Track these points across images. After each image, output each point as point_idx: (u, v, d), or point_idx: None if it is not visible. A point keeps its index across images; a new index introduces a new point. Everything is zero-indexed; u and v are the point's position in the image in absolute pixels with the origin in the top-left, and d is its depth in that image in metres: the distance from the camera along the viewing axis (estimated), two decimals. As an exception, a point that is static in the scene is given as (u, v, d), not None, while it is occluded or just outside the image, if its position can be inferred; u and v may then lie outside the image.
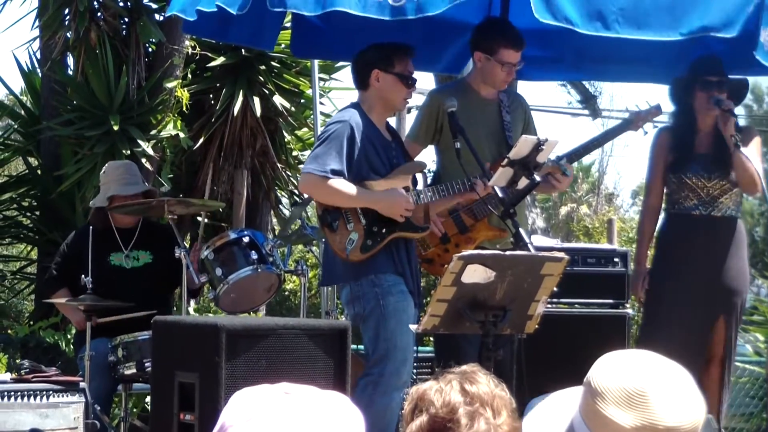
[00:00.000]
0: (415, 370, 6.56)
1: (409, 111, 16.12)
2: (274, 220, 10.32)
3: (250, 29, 6.29)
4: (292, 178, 10.00)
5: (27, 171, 9.79)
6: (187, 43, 9.08)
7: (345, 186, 5.57)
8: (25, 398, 5.55)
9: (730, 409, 6.64)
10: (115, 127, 8.54)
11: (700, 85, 6.35)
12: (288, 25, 7.82)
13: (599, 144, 6.49)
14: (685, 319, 6.29)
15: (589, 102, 22.21)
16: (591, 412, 2.24)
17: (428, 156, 6.61)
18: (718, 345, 6.40)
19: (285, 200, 10.46)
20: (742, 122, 6.69)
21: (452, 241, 6.09)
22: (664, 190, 6.54)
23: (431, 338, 8.13)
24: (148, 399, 7.21)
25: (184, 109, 9.05)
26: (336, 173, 5.56)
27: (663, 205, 6.61)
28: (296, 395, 2.07)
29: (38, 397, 5.56)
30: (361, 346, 5.95)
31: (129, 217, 6.58)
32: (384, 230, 5.66)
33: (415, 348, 6.17)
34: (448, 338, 5.80)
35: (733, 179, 6.37)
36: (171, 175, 9.08)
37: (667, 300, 6.37)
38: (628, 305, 7.04)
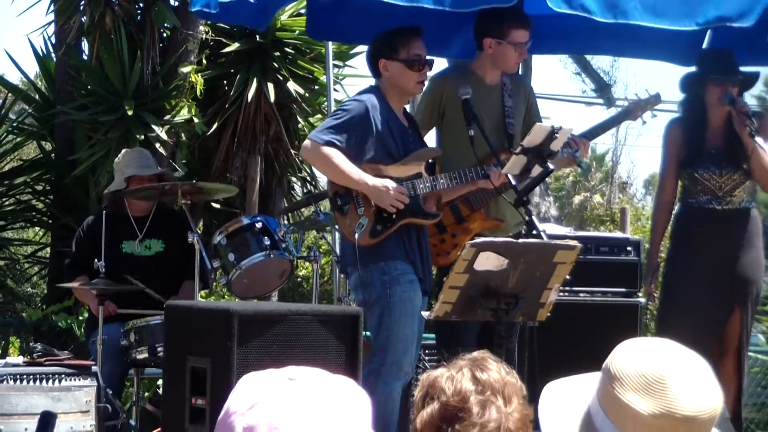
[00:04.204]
0: (426, 357, 6.56)
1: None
2: (287, 206, 10.31)
3: (250, 9, 6.25)
4: (305, 165, 9.99)
5: (41, 155, 9.80)
6: (201, 28, 9.06)
7: (340, 159, 5.55)
8: (38, 381, 5.57)
9: (742, 399, 6.62)
10: (130, 112, 8.53)
11: (712, 81, 6.31)
12: (303, 11, 7.81)
13: (597, 134, 6.42)
14: (700, 311, 6.28)
15: (603, 91, 22.16)
16: (609, 397, 2.23)
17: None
18: (733, 336, 6.39)
19: (298, 187, 10.46)
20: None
21: (448, 231, 6.06)
22: (678, 184, 6.54)
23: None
24: (160, 383, 7.22)
25: (198, 94, 9.04)
26: (331, 144, 5.54)
27: (678, 196, 6.60)
28: (301, 380, 2.06)
29: (50, 381, 5.58)
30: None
31: (143, 204, 6.58)
32: (394, 216, 5.64)
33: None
34: (449, 326, 5.77)
35: (745, 170, 6.36)
36: (184, 161, 9.08)
37: (682, 292, 6.36)
38: (640, 294, 7.03)
